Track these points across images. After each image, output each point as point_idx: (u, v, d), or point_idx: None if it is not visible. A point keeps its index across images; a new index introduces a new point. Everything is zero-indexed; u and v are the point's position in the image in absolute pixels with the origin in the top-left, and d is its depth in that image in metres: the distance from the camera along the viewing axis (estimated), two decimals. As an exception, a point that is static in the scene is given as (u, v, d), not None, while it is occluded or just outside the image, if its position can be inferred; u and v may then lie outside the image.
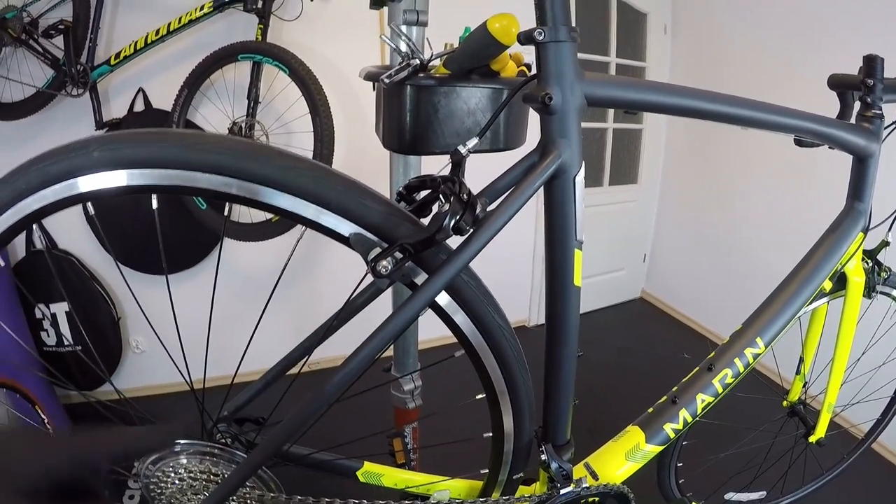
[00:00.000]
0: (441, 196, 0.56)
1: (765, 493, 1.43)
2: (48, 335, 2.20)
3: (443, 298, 0.63)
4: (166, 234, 2.22)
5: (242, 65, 1.90)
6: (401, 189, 0.63)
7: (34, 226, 2.12)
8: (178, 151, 0.53)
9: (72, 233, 2.17)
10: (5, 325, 1.99)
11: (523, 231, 2.96)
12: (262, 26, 1.89)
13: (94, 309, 2.23)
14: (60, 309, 2.19)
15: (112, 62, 1.92)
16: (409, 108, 0.78)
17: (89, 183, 0.53)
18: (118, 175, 0.53)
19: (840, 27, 2.23)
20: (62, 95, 1.91)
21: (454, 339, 0.68)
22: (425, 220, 0.59)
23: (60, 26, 1.85)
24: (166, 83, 2.03)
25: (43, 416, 1.73)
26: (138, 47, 1.89)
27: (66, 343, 2.21)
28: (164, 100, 2.07)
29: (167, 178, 0.53)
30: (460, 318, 0.64)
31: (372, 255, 0.55)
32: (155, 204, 0.59)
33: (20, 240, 2.12)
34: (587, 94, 0.63)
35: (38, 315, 2.19)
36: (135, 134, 0.54)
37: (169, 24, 1.87)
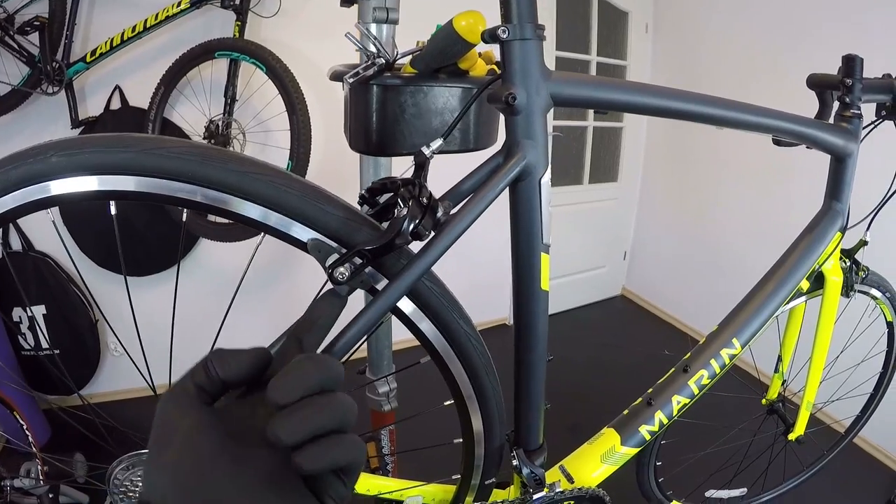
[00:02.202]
0: (400, 200, 0.54)
1: (745, 490, 1.44)
2: (25, 339, 2.17)
3: (407, 306, 0.61)
4: (144, 235, 2.19)
5: (219, 62, 1.87)
6: (363, 192, 0.61)
7: (10, 226, 2.08)
8: (135, 157, 0.51)
9: (49, 234, 2.13)
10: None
11: (503, 229, 2.93)
12: (239, 23, 1.86)
13: (72, 311, 2.19)
14: (38, 311, 2.15)
15: (88, 59, 1.88)
16: (375, 109, 0.76)
17: (48, 189, 0.51)
18: (80, 181, 0.51)
19: (820, 26, 2.24)
20: (38, 93, 1.88)
21: (426, 342, 0.66)
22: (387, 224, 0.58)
23: (36, 23, 1.81)
24: (143, 81, 1.99)
25: (21, 421, 1.70)
26: (114, 44, 1.86)
27: (44, 346, 2.18)
28: (140, 97, 2.03)
29: (125, 185, 0.52)
30: (425, 325, 0.63)
31: (329, 261, 0.54)
32: (113, 210, 0.57)
33: (-5, 241, 2.08)
34: (553, 93, 0.61)
35: (16, 318, 2.15)
36: (94, 138, 0.52)
37: (146, 21, 1.84)
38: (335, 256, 0.54)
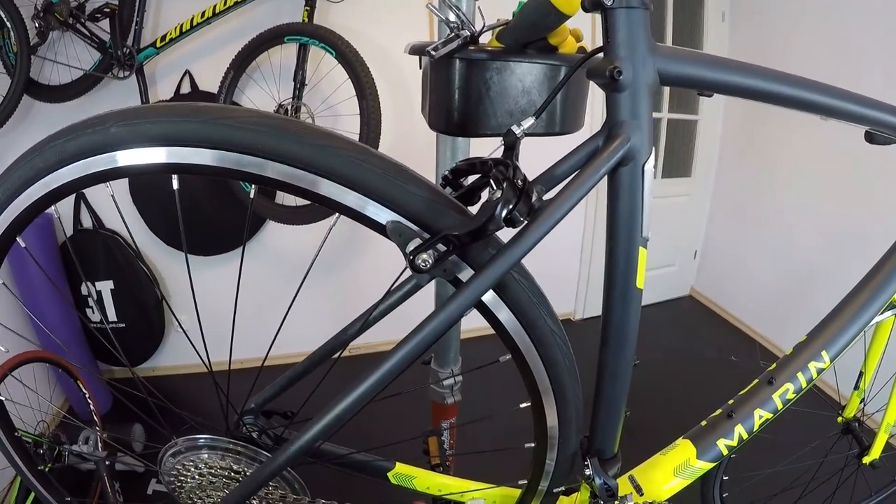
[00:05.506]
0: (492, 181, 0.49)
1: (811, 512, 1.34)
2: (93, 312, 2.25)
3: (486, 295, 0.56)
4: (210, 215, 2.23)
5: (288, 47, 1.87)
6: (446, 173, 0.57)
7: (81, 204, 2.15)
8: (203, 128, 0.48)
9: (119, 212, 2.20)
10: (51, 302, 2.04)
11: (573, 219, 2.84)
12: (308, 8, 1.86)
13: (138, 288, 2.27)
14: (106, 287, 2.23)
15: (158, 45, 1.92)
16: (459, 85, 0.71)
17: (106, 161, 0.49)
18: (145, 152, 0.48)
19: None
20: (109, 78, 1.94)
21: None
22: (473, 209, 0.53)
23: (106, 9, 1.87)
24: (212, 65, 2.03)
25: (84, 391, 1.75)
26: (184, 30, 1.89)
27: (110, 320, 2.26)
28: (210, 82, 2.07)
29: (193, 157, 0.49)
30: (504, 315, 0.57)
31: (411, 246, 0.49)
32: (175, 185, 0.54)
33: (68, 218, 2.16)
34: (661, 70, 0.55)
35: (84, 292, 2.23)
36: (161, 108, 0.49)
37: (214, 7, 1.86)
38: (417, 241, 0.50)
